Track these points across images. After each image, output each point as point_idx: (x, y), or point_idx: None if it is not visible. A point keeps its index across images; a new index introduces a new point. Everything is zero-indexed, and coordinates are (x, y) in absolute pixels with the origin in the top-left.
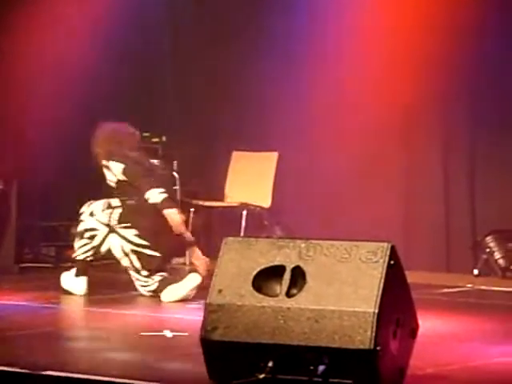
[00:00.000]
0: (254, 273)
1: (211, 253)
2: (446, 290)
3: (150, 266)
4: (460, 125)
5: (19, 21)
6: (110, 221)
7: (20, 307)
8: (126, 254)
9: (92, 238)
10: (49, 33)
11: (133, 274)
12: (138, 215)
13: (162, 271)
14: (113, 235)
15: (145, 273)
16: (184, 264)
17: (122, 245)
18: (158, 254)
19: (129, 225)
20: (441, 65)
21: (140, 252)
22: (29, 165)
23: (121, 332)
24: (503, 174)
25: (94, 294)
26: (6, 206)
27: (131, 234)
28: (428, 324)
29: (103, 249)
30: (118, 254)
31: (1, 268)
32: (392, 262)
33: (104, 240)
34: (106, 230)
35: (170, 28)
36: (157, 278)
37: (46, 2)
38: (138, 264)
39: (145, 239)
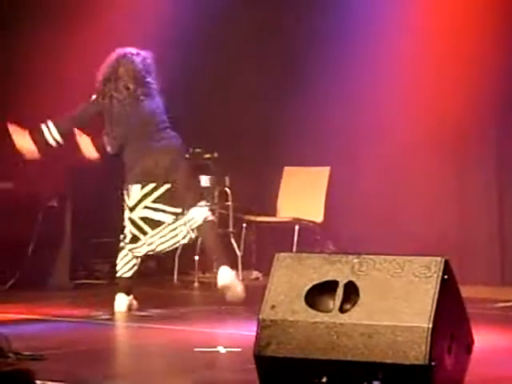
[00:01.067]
0: (307, 288)
1: (263, 268)
2: (501, 304)
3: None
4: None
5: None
6: None
7: (75, 324)
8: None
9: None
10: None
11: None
12: None
13: None
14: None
15: None
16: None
17: None
18: None
19: None
20: (493, 76)
21: None
22: (82, 182)
23: (174, 348)
24: None
25: (150, 309)
26: (60, 222)
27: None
28: (483, 339)
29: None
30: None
31: (56, 284)
32: (446, 277)
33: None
34: None
35: (222, 45)
36: None
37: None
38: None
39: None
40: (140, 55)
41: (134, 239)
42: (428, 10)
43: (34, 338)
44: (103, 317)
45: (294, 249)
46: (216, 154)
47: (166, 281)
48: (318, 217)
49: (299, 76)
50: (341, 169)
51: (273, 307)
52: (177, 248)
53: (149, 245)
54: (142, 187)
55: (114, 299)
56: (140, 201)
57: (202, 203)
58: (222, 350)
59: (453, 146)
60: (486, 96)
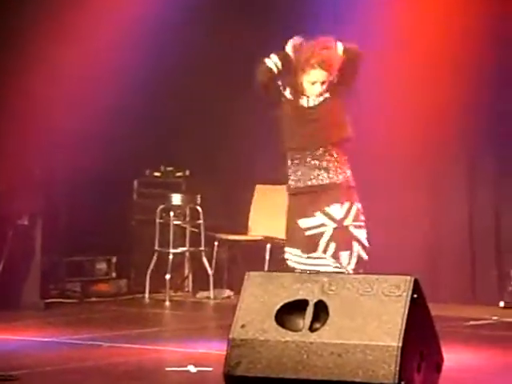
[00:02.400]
0: (277, 307)
1: (235, 287)
2: (471, 323)
3: None
4: (486, 154)
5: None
6: None
7: (45, 343)
8: None
9: None
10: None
11: None
12: None
13: None
14: None
15: None
16: (208, 298)
17: None
18: None
19: None
20: (465, 89)
21: None
22: (53, 200)
23: (145, 368)
24: None
25: (120, 328)
26: (30, 241)
27: None
28: (453, 357)
29: None
30: None
31: (27, 304)
32: (415, 296)
33: None
34: None
35: (190, 65)
36: None
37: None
38: None
39: None
40: None
41: None
42: (406, 24)
43: (5, 358)
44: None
45: (266, 267)
46: (188, 172)
47: (137, 300)
48: None
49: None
50: None
51: (243, 326)
52: (148, 267)
53: None
54: None
55: (85, 318)
56: None
57: None
58: (192, 369)
59: (426, 164)
60: (458, 109)
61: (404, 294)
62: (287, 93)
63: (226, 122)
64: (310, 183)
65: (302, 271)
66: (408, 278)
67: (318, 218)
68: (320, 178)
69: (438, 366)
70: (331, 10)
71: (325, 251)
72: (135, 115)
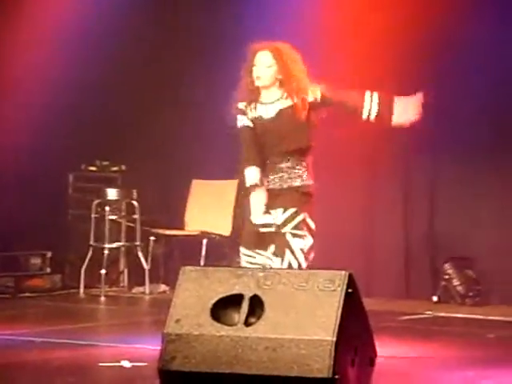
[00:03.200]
0: (212, 302)
1: (171, 282)
2: (405, 317)
3: None
4: (422, 153)
5: None
6: None
7: None
8: None
9: None
10: None
11: None
12: None
13: None
14: None
15: None
16: (144, 293)
17: None
18: None
19: None
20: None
21: None
22: None
23: (79, 363)
24: (462, 202)
25: (54, 324)
26: None
27: None
28: (387, 351)
29: None
30: None
31: None
32: (350, 290)
33: None
34: None
35: (126, 60)
36: None
37: None
38: None
39: None
40: None
41: None
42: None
43: None
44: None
45: (202, 262)
46: (124, 167)
47: (72, 295)
48: (227, 230)
49: (208, 89)
50: None
51: (178, 321)
52: (83, 262)
53: None
54: None
55: (19, 313)
56: None
57: None
58: (126, 364)
59: (363, 161)
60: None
61: (339, 289)
62: (248, 116)
63: (162, 117)
64: (270, 186)
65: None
66: (343, 272)
67: (271, 216)
68: (278, 182)
69: (371, 360)
70: (272, 7)
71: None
72: (71, 109)
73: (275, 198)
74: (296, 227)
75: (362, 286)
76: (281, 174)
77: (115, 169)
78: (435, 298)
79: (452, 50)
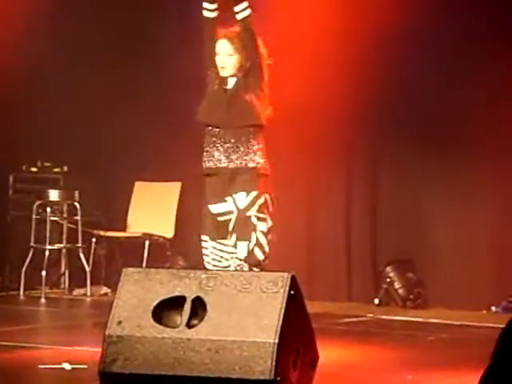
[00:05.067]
0: (154, 304)
1: (112, 284)
2: (346, 320)
3: None
4: (362, 155)
5: None
6: None
7: None
8: None
9: None
10: None
11: None
12: None
13: None
14: None
15: None
16: (85, 295)
17: None
18: None
19: None
20: (345, 97)
21: None
22: None
23: (18, 365)
24: (403, 205)
25: None
26: None
27: None
28: (328, 354)
29: None
30: None
31: None
32: (292, 292)
33: None
34: None
35: (68, 59)
36: None
37: None
38: None
39: None
40: None
41: None
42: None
43: None
44: None
45: (144, 264)
46: (65, 168)
47: (12, 297)
48: (169, 232)
49: (152, 89)
50: (192, 184)
51: (119, 323)
52: (23, 263)
53: None
54: None
55: None
56: None
57: None
58: (67, 366)
59: (304, 162)
60: (336, 121)
61: (281, 291)
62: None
63: (104, 118)
64: (220, 165)
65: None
66: (285, 274)
67: (229, 203)
68: (231, 161)
69: (313, 362)
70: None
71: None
72: (12, 109)
73: (233, 181)
74: (259, 210)
75: (305, 289)
76: (229, 155)
77: (57, 170)
78: (377, 301)
79: (399, 44)
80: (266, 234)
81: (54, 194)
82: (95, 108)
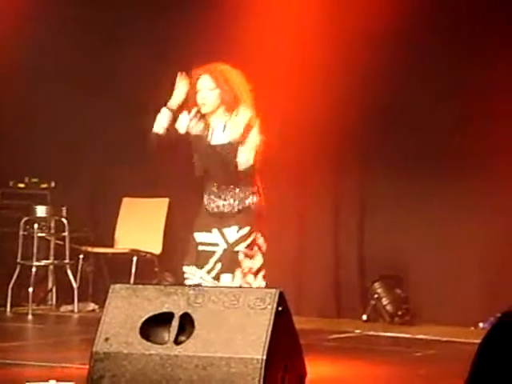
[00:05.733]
0: (142, 320)
1: (100, 300)
2: (334, 336)
3: None
4: (350, 171)
5: None
6: None
7: None
8: None
9: None
10: None
11: None
12: None
13: None
14: None
15: None
16: (72, 311)
17: None
18: None
19: None
20: (331, 117)
21: None
22: None
23: (6, 382)
24: (391, 222)
25: None
26: None
27: None
28: (316, 370)
29: None
30: None
31: None
32: (280, 309)
33: None
34: None
35: (53, 73)
36: None
37: None
38: None
39: None
40: None
41: None
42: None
43: None
44: None
45: (132, 280)
46: (53, 184)
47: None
48: (157, 248)
49: (137, 108)
50: (179, 200)
51: (107, 339)
52: (10, 279)
53: None
54: None
55: None
56: None
57: None
58: (54, 383)
59: (293, 180)
60: (324, 137)
61: (269, 307)
62: (192, 127)
63: (92, 134)
64: (221, 210)
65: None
66: (273, 290)
67: (214, 235)
68: (230, 204)
69: (301, 378)
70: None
71: (209, 271)
72: None
73: (227, 216)
74: (248, 247)
75: (292, 305)
76: (233, 198)
77: (44, 186)
78: (365, 317)
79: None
80: (254, 273)
81: (41, 210)
82: (83, 124)
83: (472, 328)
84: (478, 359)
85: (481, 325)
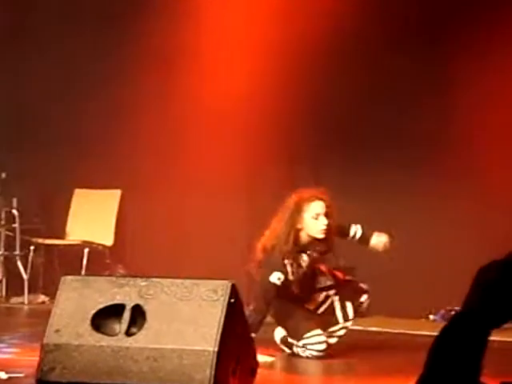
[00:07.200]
0: (93, 312)
1: (51, 292)
2: None
3: None
4: (301, 178)
5: None
6: None
7: None
8: None
9: None
10: None
11: None
12: None
13: None
14: None
15: None
16: (22, 303)
17: None
18: None
19: None
20: (282, 122)
21: None
22: None
23: None
24: (344, 213)
25: None
26: None
27: None
28: (268, 362)
29: None
30: None
31: None
32: (232, 300)
33: None
34: None
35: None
36: None
37: None
38: None
39: None
40: None
41: None
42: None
43: None
44: None
45: (83, 272)
46: (4, 175)
47: None
48: (109, 240)
49: (89, 97)
50: (132, 192)
51: (57, 331)
52: None
53: None
54: None
55: None
56: None
57: None
58: (3, 375)
59: (242, 183)
60: (276, 142)
61: (221, 299)
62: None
63: (43, 125)
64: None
65: None
66: (225, 282)
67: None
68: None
69: (252, 370)
70: None
71: None
72: None
73: None
74: None
75: (244, 298)
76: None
77: None
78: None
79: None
80: None
81: None
82: (34, 115)
83: (423, 320)
84: (429, 360)
85: (431, 317)
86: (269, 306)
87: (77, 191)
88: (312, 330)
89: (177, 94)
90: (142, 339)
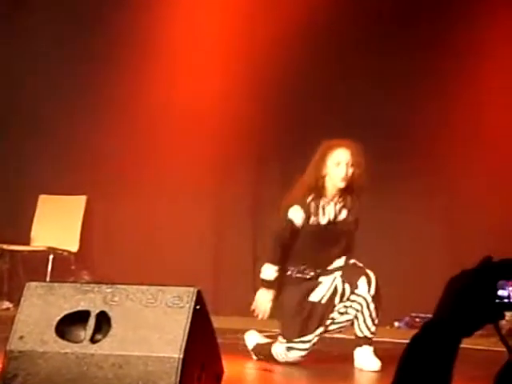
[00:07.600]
0: (58, 318)
1: (15, 298)
2: None
3: None
4: (269, 180)
5: None
6: None
7: None
8: None
9: None
10: None
11: None
12: None
13: None
14: None
15: None
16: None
17: None
18: None
19: None
20: (252, 125)
21: None
22: None
23: None
24: None
25: None
26: None
27: None
28: (233, 369)
29: None
30: None
31: None
32: (198, 307)
33: None
34: None
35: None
36: None
37: None
38: None
39: None
40: None
41: None
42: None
43: None
44: None
45: (48, 278)
46: None
47: None
48: (74, 246)
49: (57, 103)
50: (98, 198)
51: (21, 338)
52: None
53: None
54: None
55: None
56: None
57: None
58: None
59: (210, 185)
60: (244, 144)
61: (187, 306)
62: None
63: (9, 130)
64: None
65: None
66: (191, 289)
67: None
68: None
69: (218, 377)
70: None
71: None
72: None
73: None
74: None
75: (210, 303)
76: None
77: None
78: None
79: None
80: None
81: None
82: (1, 119)
83: (388, 327)
84: (400, 371)
85: (396, 324)
86: (282, 248)
87: (42, 197)
88: (307, 335)
89: (145, 99)
90: (106, 346)
